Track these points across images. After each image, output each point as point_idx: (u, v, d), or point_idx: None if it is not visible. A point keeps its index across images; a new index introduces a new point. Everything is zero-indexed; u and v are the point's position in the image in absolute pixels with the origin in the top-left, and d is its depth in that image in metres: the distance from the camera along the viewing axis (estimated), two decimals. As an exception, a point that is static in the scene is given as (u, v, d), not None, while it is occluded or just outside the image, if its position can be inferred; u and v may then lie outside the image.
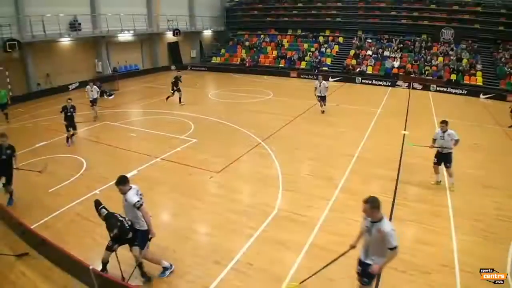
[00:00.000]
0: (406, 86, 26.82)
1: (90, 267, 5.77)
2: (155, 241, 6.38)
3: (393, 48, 31.33)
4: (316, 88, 17.90)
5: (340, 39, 34.78)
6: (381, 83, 27.96)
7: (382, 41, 32.86)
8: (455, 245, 7.41)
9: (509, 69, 26.10)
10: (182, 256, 6.81)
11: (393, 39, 32.60)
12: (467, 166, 11.59)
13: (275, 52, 34.74)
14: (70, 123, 13.02)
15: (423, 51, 30.33)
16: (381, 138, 14.16)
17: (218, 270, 6.55)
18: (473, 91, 24.93)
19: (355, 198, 9.33)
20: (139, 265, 6.14)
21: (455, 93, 25.24)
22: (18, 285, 6.11)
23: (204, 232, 7.87)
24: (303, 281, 5.79)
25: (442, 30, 30.98)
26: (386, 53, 31.08)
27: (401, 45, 31.53)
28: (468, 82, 26.49)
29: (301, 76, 30.40)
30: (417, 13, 32.57)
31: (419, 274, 6.52)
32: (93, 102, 16.70)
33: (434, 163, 10.02)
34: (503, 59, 27.36)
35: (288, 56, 33.53)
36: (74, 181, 10.18)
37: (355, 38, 33.88)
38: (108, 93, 22.41)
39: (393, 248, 4.74)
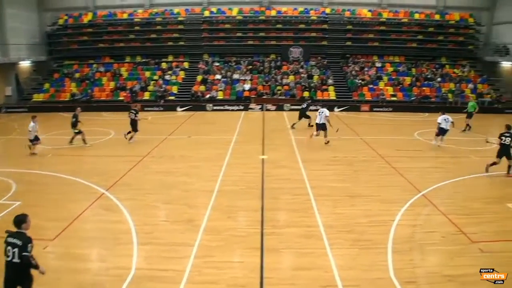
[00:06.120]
0: (260, 109, 28.86)
1: None
2: None
3: (243, 70, 33.45)
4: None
5: (185, 64, 35.73)
6: (233, 108, 29.57)
7: (230, 63, 34.80)
8: (333, 263, 7.87)
9: (359, 81, 30.35)
10: None
11: (242, 61, 34.93)
12: (331, 180, 12.89)
13: (112, 84, 33.59)
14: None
15: (273, 71, 33.18)
16: (240, 167, 14.60)
17: None
18: (328, 106, 27.87)
19: (221, 237, 9.29)
20: None
21: (310, 110, 27.90)
22: None
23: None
24: None
25: (290, 49, 34.65)
26: (236, 76, 33.01)
27: (250, 67, 33.93)
28: (321, 98, 29.86)
29: (146, 109, 29.78)
30: (264, 33, 35.79)
31: (301, 301, 6.66)
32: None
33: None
34: (353, 72, 31.88)
35: (128, 87, 32.74)
36: None
37: (201, 62, 35.19)
38: None
39: None
